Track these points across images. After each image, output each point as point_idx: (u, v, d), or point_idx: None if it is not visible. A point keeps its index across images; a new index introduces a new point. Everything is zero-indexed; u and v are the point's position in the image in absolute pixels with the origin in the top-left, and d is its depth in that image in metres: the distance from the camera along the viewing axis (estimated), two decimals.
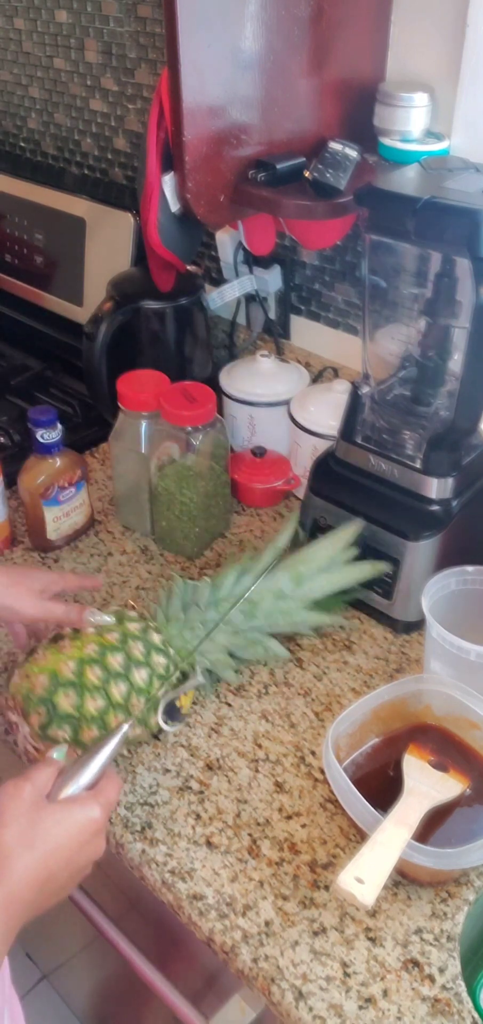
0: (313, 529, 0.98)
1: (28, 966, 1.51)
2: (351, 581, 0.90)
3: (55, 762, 0.63)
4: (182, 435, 0.99)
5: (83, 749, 0.73)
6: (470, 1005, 0.62)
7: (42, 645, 0.78)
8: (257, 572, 0.87)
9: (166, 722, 0.78)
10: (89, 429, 1.28)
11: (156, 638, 0.81)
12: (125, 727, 0.66)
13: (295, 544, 0.93)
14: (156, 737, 0.83)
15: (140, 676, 0.78)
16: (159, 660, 0.80)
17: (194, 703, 0.86)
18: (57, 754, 0.65)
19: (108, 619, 0.80)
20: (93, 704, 0.75)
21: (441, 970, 0.64)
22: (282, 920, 0.68)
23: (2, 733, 0.84)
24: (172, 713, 0.79)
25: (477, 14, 0.92)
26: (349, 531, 0.90)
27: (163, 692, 0.78)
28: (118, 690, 0.76)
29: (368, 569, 0.90)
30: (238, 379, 1.18)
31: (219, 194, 0.95)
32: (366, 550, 0.93)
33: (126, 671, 0.77)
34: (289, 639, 0.93)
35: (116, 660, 0.77)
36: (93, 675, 0.75)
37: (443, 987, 0.63)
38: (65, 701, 0.74)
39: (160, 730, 0.80)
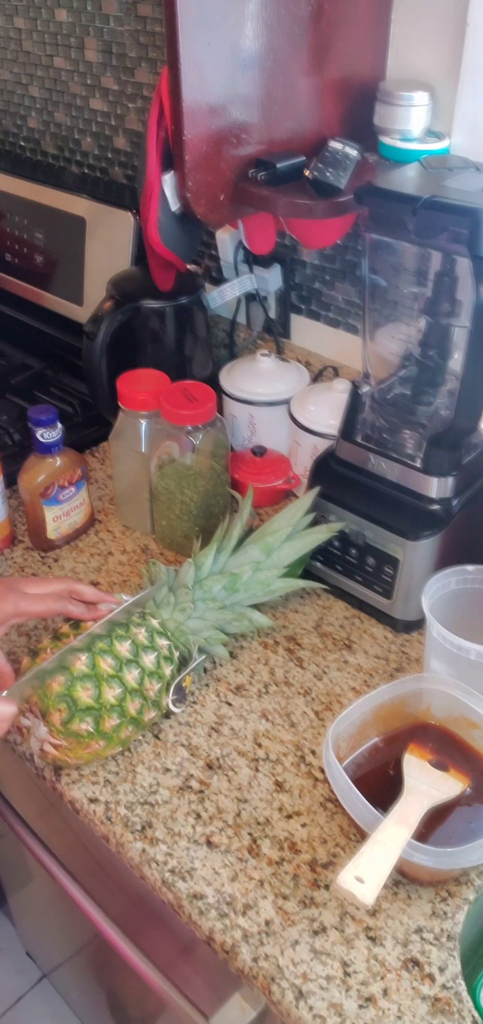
0: None
1: (28, 966, 1.51)
2: (313, 543, 0.94)
3: None
4: (182, 434, 0.99)
5: (104, 739, 0.76)
6: (470, 1004, 0.62)
7: (46, 644, 0.79)
8: (229, 548, 0.91)
9: (175, 703, 0.82)
10: (89, 428, 1.28)
11: (154, 623, 0.83)
12: None
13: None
14: (157, 737, 0.83)
15: (149, 660, 0.80)
16: (162, 643, 0.82)
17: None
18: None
19: (127, 598, 0.84)
20: (111, 693, 0.76)
21: (441, 969, 0.64)
22: (282, 919, 0.68)
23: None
24: (179, 694, 0.83)
25: (477, 13, 0.92)
26: (305, 500, 0.95)
27: (170, 673, 0.82)
28: (132, 676, 0.78)
29: (325, 531, 0.95)
30: (238, 378, 1.18)
31: (219, 193, 0.95)
32: (366, 549, 0.93)
33: (135, 657, 0.79)
34: (289, 639, 0.93)
35: (124, 647, 0.78)
36: (106, 665, 0.77)
37: (443, 986, 0.63)
38: (84, 694, 0.75)
39: (166, 715, 0.83)
